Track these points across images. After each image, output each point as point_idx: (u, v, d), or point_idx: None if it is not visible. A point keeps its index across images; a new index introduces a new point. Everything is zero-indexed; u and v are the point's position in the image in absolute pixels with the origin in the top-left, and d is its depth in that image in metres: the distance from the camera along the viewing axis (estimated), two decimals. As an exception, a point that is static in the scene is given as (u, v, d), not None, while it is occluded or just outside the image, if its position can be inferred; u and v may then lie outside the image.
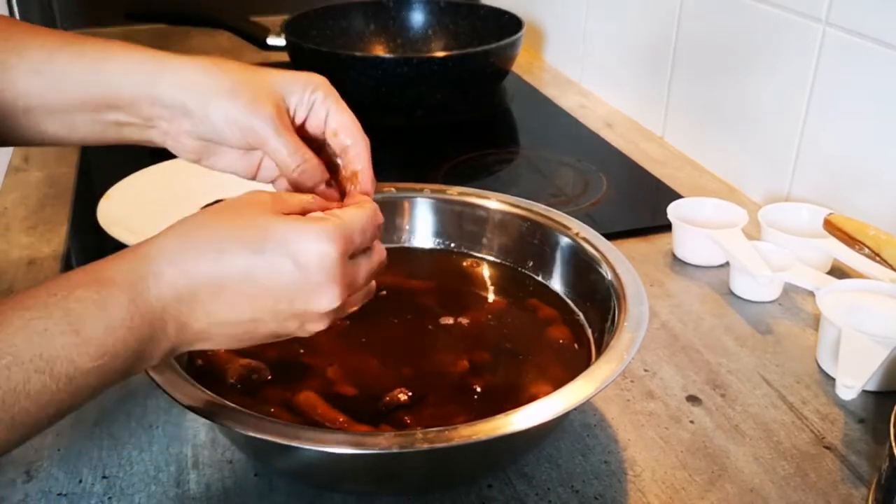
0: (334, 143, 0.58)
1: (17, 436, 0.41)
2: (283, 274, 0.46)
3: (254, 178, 0.60)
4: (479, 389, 0.60)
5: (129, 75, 0.55)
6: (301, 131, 0.57)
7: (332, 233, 0.47)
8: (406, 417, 0.57)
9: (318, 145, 0.58)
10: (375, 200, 0.71)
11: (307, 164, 0.55)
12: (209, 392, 0.51)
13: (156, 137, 0.59)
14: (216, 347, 0.49)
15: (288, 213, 0.48)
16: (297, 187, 0.56)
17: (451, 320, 0.67)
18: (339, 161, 0.59)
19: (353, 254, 0.49)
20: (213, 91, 0.54)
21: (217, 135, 0.56)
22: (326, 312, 0.48)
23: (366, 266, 0.51)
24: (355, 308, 0.52)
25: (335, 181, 0.59)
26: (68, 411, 0.43)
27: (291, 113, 0.57)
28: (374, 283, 0.53)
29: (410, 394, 0.58)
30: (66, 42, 0.56)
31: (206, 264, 0.46)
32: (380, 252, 0.52)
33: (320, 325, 0.49)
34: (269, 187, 0.60)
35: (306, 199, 0.51)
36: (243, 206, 0.48)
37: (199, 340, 0.47)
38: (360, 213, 0.50)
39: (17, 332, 0.40)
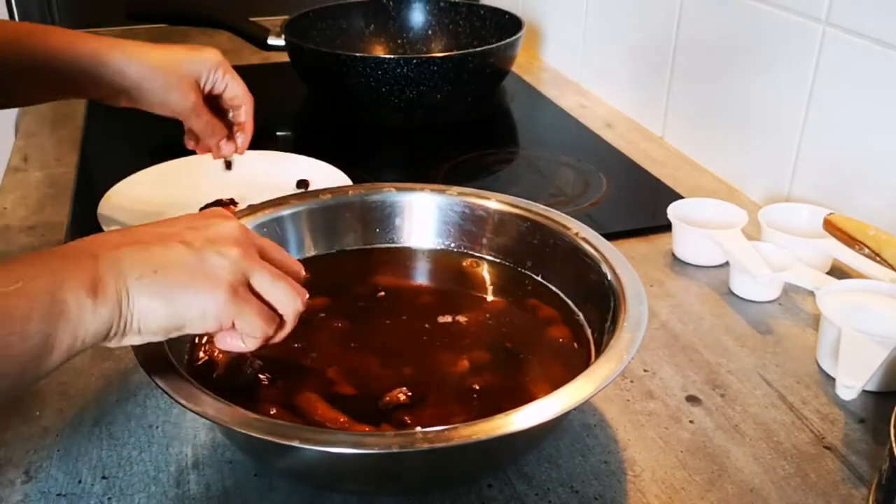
0: (229, 104, 0.87)
1: None
2: (182, 216, 0.55)
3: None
4: (479, 389, 0.60)
5: (79, 71, 0.78)
6: (207, 97, 0.84)
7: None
8: (406, 417, 0.57)
9: (218, 106, 0.86)
10: (374, 200, 0.76)
11: (213, 129, 0.85)
12: (209, 392, 0.51)
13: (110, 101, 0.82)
14: (134, 272, 0.48)
15: None
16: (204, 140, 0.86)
17: (450, 320, 0.67)
18: (230, 116, 0.88)
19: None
20: (147, 86, 0.80)
21: (148, 108, 0.82)
22: (234, 237, 0.52)
23: (269, 274, 0.53)
24: (255, 316, 0.52)
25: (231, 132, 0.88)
26: (16, 345, 0.43)
27: (203, 86, 0.83)
28: (283, 316, 0.54)
29: (410, 394, 0.58)
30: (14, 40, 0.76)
31: (114, 230, 0.55)
32: (291, 287, 0.54)
33: (229, 248, 0.51)
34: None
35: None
36: None
37: (117, 267, 0.48)
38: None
39: None
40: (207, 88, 0.84)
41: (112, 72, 0.78)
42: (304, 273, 0.57)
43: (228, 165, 0.98)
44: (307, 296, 0.55)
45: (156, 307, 0.48)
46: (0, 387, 0.43)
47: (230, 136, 0.88)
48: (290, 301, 0.53)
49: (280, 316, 0.53)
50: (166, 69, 0.80)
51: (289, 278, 0.54)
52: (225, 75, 0.84)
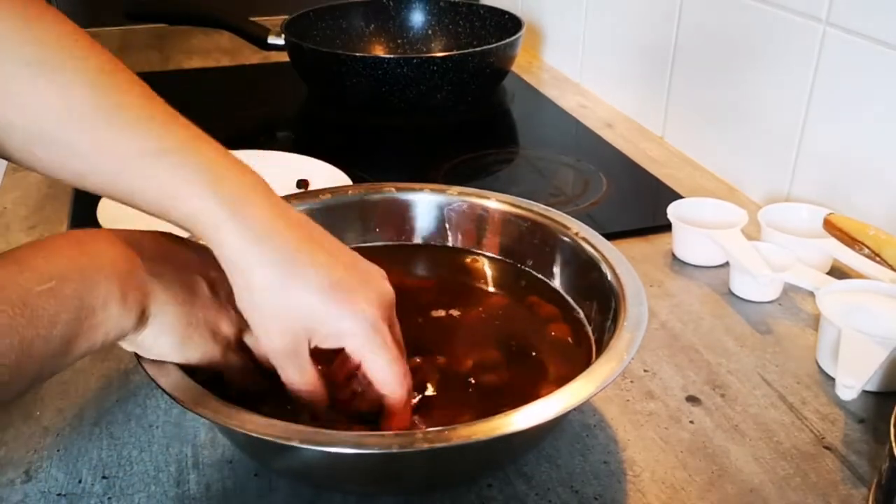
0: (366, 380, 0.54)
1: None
2: (208, 250, 0.51)
3: None
4: (480, 387, 0.60)
5: (188, 227, 0.50)
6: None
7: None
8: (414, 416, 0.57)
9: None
10: (374, 200, 0.74)
11: (306, 396, 0.53)
12: (209, 392, 0.51)
13: None
14: (166, 297, 0.49)
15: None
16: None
17: (451, 318, 0.67)
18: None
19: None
20: (245, 290, 0.51)
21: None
22: (378, 298, 0.52)
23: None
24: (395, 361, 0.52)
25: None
26: (38, 347, 0.43)
27: (313, 344, 0.52)
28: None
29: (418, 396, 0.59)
30: (140, 159, 0.49)
31: (148, 231, 0.52)
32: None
33: (369, 306, 0.51)
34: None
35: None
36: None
37: (148, 278, 0.49)
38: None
39: None
40: (323, 345, 0.53)
41: (220, 254, 0.50)
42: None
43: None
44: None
45: (165, 336, 0.51)
46: (18, 386, 0.43)
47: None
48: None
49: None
50: (273, 293, 0.50)
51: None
52: (362, 350, 0.52)
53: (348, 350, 0.52)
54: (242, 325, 0.54)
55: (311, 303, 0.50)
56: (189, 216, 0.49)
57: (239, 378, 0.56)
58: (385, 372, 0.52)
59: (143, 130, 0.49)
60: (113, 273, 0.47)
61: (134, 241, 0.50)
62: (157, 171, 0.48)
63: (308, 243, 0.51)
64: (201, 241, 0.51)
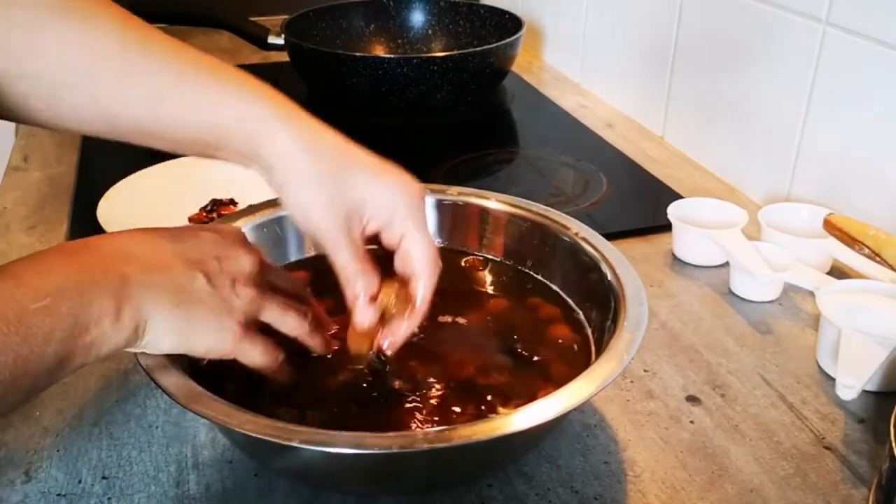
0: (401, 264, 0.57)
1: None
2: (205, 235, 0.53)
3: None
4: (480, 388, 0.60)
5: (231, 135, 0.55)
6: (373, 237, 0.58)
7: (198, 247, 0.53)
8: (409, 416, 0.57)
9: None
10: None
11: (362, 274, 0.56)
12: (209, 392, 0.51)
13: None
14: (158, 304, 0.50)
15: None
16: (346, 287, 0.56)
17: (451, 319, 0.67)
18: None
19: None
20: (294, 174, 0.54)
21: (289, 212, 0.57)
22: (252, 277, 0.53)
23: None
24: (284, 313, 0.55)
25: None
26: (32, 363, 0.43)
27: (366, 220, 0.56)
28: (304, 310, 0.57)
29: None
30: (180, 76, 0.54)
31: (138, 232, 0.52)
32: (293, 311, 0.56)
33: (246, 289, 0.53)
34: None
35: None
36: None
37: (139, 289, 0.49)
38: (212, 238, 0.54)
39: None
40: (371, 223, 0.56)
41: (266, 154, 0.54)
42: (307, 287, 0.58)
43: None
44: (310, 316, 0.57)
45: (167, 338, 0.51)
46: (13, 400, 0.44)
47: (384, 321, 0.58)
48: (297, 327, 0.56)
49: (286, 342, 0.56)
50: (328, 174, 0.54)
51: (294, 306, 0.56)
52: (406, 219, 0.56)
53: (393, 224, 0.56)
54: (252, 308, 0.54)
55: (364, 180, 0.55)
56: (238, 117, 0.53)
57: (261, 362, 0.55)
58: (423, 247, 0.57)
59: (176, 58, 0.54)
60: (107, 289, 0.47)
61: (125, 250, 0.50)
62: (200, 84, 0.53)
63: (350, 144, 0.57)
64: (246, 146, 0.54)
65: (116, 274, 0.48)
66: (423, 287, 0.57)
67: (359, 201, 0.55)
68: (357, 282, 0.56)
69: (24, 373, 0.43)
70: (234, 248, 0.54)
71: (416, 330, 0.58)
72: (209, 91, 0.54)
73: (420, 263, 0.57)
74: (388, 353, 0.58)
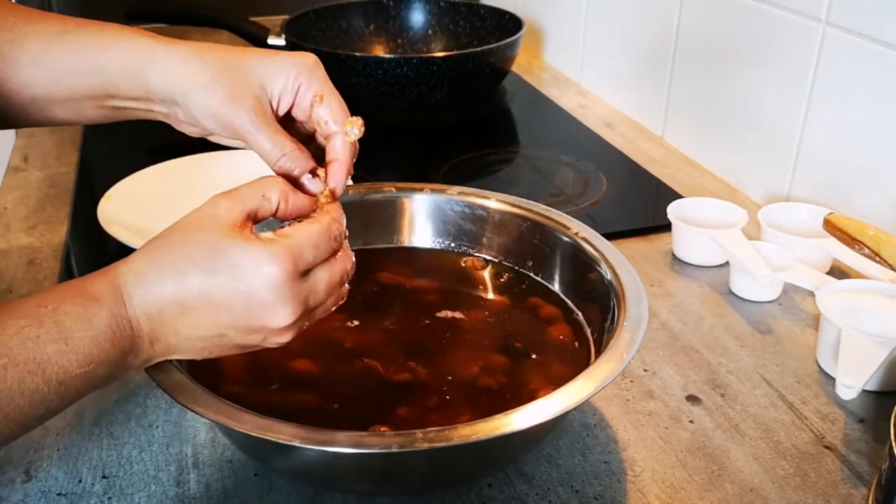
0: (321, 130, 0.58)
1: (9, 431, 0.44)
2: (235, 295, 0.48)
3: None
4: (480, 388, 0.60)
5: (122, 67, 0.57)
6: (289, 117, 0.58)
7: (279, 255, 0.48)
8: (408, 416, 0.57)
9: (307, 131, 0.59)
10: (374, 200, 0.72)
11: (289, 155, 0.55)
12: (209, 392, 0.51)
13: (160, 118, 0.60)
14: (190, 357, 0.52)
15: (244, 223, 0.50)
16: (284, 176, 0.55)
17: (452, 318, 0.67)
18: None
19: (307, 269, 0.50)
20: (192, 85, 0.55)
21: (202, 126, 0.57)
22: (285, 327, 0.50)
23: (325, 278, 0.51)
24: (325, 314, 0.53)
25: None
26: (55, 413, 0.46)
27: (276, 101, 0.57)
28: (345, 287, 0.54)
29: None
30: (63, 31, 0.58)
31: (169, 286, 0.48)
32: (344, 260, 0.53)
33: (283, 338, 0.51)
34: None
35: (266, 189, 0.51)
36: (200, 223, 0.50)
37: (172, 352, 0.51)
38: (311, 228, 0.50)
39: (11, 337, 0.44)
40: (281, 101, 0.57)
41: (159, 77, 0.56)
42: (351, 263, 0.54)
43: None
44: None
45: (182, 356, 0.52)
46: (33, 425, 0.46)
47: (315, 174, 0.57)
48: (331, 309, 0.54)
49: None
50: (223, 73, 0.55)
51: (339, 291, 0.54)
52: (312, 84, 0.57)
53: (300, 94, 0.57)
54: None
55: (257, 63, 0.56)
56: (123, 50, 0.57)
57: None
58: (335, 100, 0.57)
59: (57, 19, 0.58)
60: (146, 359, 0.50)
61: (174, 327, 0.49)
62: (83, 35, 0.58)
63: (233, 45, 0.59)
64: (136, 80, 0.56)
65: (149, 339, 0.49)
66: (340, 150, 0.57)
67: (260, 84, 0.56)
68: (290, 165, 0.55)
69: (51, 415, 0.46)
70: (265, 302, 0.48)
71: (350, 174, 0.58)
72: (92, 36, 0.57)
73: (337, 115, 0.57)
74: (339, 192, 0.56)
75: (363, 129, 0.58)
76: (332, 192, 0.56)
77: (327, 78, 0.58)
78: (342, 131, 0.57)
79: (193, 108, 0.56)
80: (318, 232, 0.50)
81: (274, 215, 0.52)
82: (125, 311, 0.47)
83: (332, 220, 0.52)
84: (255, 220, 0.51)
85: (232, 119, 0.55)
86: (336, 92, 0.58)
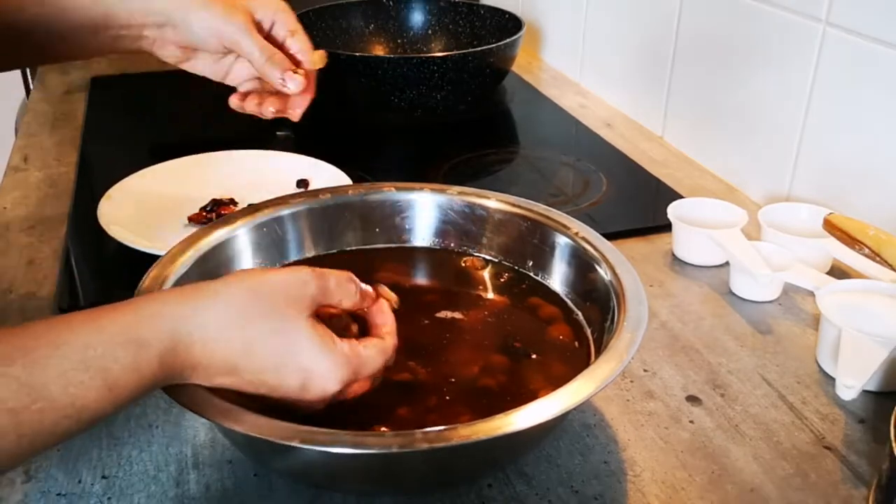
0: (290, 57, 0.70)
1: (32, 458, 0.47)
2: (286, 384, 0.50)
3: (223, 79, 0.73)
4: (481, 388, 0.60)
5: None
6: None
7: (343, 377, 0.51)
8: (409, 416, 0.57)
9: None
10: (374, 200, 0.73)
11: (275, 57, 0.68)
12: (209, 392, 0.51)
13: (145, 45, 0.69)
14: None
15: (322, 312, 0.53)
16: (265, 78, 0.68)
17: (452, 318, 0.67)
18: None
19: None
20: (193, 4, 0.67)
21: (197, 41, 0.68)
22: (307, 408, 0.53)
23: (362, 385, 0.54)
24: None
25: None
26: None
27: (258, 19, 0.69)
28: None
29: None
30: None
31: (233, 353, 0.49)
32: (389, 358, 0.56)
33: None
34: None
35: (347, 296, 0.54)
36: (288, 304, 0.50)
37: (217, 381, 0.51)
38: (379, 357, 0.54)
39: (53, 380, 0.43)
40: (261, 26, 0.70)
41: (156, 6, 0.67)
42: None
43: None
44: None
45: None
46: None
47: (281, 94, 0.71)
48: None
49: None
50: None
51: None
52: (287, 21, 0.71)
53: (278, 19, 0.71)
54: None
55: None
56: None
57: None
58: (307, 38, 0.71)
59: None
60: (184, 377, 0.50)
61: (209, 353, 0.49)
62: None
63: None
64: (138, 3, 0.66)
65: (184, 376, 0.50)
66: (308, 73, 0.70)
67: (248, 8, 0.69)
68: (274, 64, 0.68)
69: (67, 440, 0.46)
70: (310, 400, 0.52)
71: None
72: None
73: (306, 46, 0.71)
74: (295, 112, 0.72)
75: (326, 58, 0.72)
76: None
77: (295, 19, 0.71)
78: (308, 60, 0.71)
79: (194, 23, 0.67)
80: (382, 361, 0.54)
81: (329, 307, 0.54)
82: (175, 361, 0.47)
83: (394, 346, 0.56)
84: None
85: (227, 28, 0.67)
86: (303, 30, 0.71)
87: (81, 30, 0.65)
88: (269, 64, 0.67)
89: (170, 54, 0.70)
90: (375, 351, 0.54)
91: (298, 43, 0.70)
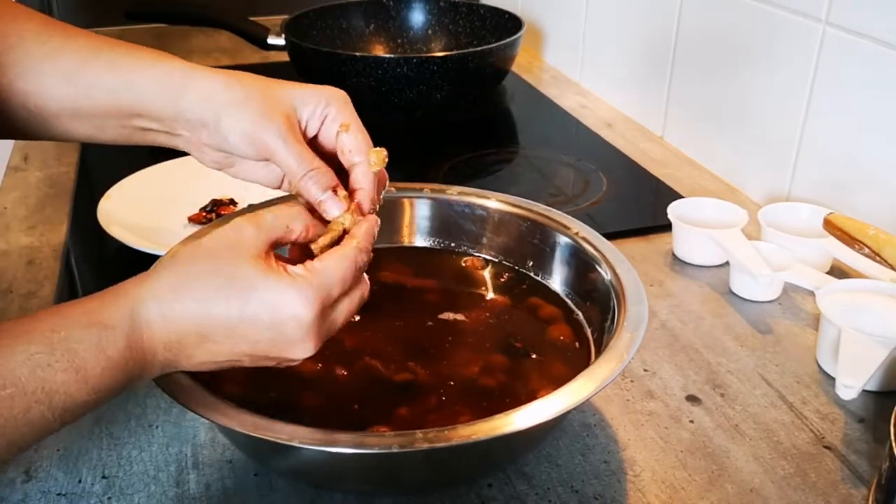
0: (344, 159, 0.58)
1: (9, 456, 0.44)
2: (261, 331, 0.48)
3: (278, 187, 0.62)
4: (481, 388, 0.60)
5: (157, 89, 0.57)
6: (314, 144, 0.58)
7: (310, 298, 0.48)
8: (409, 416, 0.57)
9: (330, 158, 0.58)
10: None
11: (315, 172, 0.55)
12: (209, 392, 0.51)
13: (180, 145, 0.60)
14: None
15: (268, 252, 0.50)
16: (304, 196, 0.56)
17: (452, 318, 0.67)
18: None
19: (332, 304, 0.51)
20: (226, 103, 0.56)
21: (230, 146, 0.57)
22: (303, 357, 0.51)
23: (345, 309, 0.52)
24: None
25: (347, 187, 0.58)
26: (53, 433, 0.46)
27: (303, 125, 0.57)
28: (364, 291, 0.54)
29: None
30: (98, 50, 0.57)
31: (193, 318, 0.48)
32: (363, 286, 0.53)
33: (296, 362, 0.51)
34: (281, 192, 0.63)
35: (291, 220, 0.52)
36: (226, 251, 0.49)
37: (179, 369, 0.50)
38: (341, 265, 0.50)
39: (21, 364, 0.43)
40: (308, 126, 0.58)
41: (195, 97, 0.56)
42: (367, 290, 0.55)
43: None
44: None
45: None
46: (30, 447, 0.46)
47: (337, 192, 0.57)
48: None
49: None
50: (257, 93, 0.56)
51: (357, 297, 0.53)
52: (340, 114, 0.58)
53: (328, 121, 0.58)
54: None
55: (291, 91, 0.57)
56: (160, 73, 0.57)
57: None
58: (359, 132, 0.58)
59: (93, 37, 0.58)
60: (145, 379, 0.49)
61: (169, 316, 0.48)
62: (117, 54, 0.58)
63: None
64: (169, 101, 0.56)
65: (171, 368, 0.49)
66: (362, 172, 0.57)
67: (291, 105, 0.57)
68: (314, 182, 0.55)
69: (46, 436, 0.45)
70: (291, 339, 0.49)
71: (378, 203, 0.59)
72: (128, 56, 0.57)
73: (361, 145, 0.57)
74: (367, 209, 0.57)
75: (386, 160, 0.58)
76: (359, 206, 0.56)
77: (355, 112, 0.59)
78: (366, 160, 0.57)
79: (224, 125, 0.56)
80: (347, 267, 0.51)
81: (293, 243, 0.53)
82: (143, 342, 0.47)
83: (359, 251, 0.52)
84: (275, 248, 0.51)
85: (262, 135, 0.55)
86: (362, 125, 0.58)
87: (108, 114, 0.59)
88: (307, 180, 0.55)
89: (210, 160, 0.60)
90: (334, 260, 0.50)
91: (353, 141, 0.57)
